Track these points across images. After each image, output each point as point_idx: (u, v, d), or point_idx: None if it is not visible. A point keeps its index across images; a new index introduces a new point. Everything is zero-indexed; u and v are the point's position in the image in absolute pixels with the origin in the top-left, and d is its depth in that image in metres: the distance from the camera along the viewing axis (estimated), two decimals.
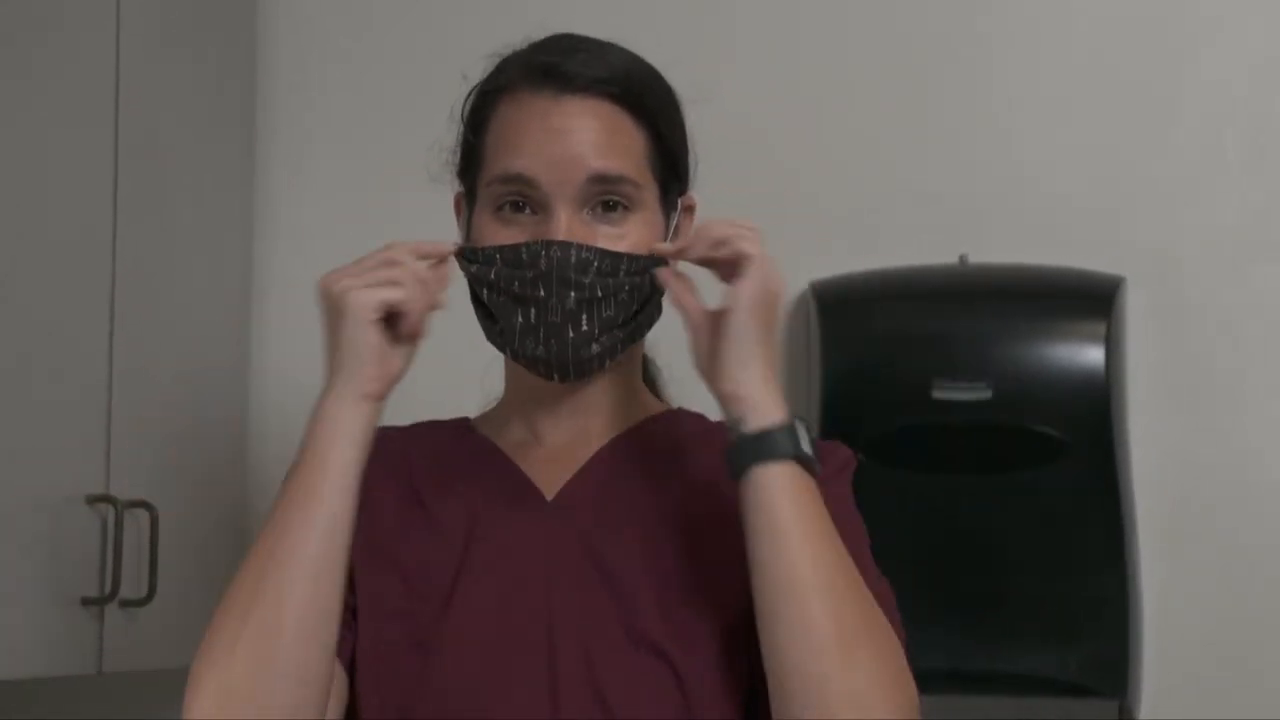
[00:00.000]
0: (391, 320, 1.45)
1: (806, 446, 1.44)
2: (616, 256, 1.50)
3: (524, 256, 1.49)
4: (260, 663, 1.38)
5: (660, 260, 1.51)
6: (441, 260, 1.49)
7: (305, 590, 1.40)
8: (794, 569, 1.40)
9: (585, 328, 1.50)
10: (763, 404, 1.44)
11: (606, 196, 1.51)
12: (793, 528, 1.41)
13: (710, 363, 1.46)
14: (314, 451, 1.44)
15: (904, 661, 1.43)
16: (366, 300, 1.43)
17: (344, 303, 1.43)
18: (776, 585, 1.40)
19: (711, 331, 1.46)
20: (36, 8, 2.09)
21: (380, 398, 1.46)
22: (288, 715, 1.39)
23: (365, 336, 1.43)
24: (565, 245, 1.48)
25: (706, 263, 1.48)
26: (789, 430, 1.44)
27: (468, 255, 1.53)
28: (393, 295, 1.44)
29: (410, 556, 1.50)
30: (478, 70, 1.60)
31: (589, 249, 1.49)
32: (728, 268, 1.46)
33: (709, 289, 1.50)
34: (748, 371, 1.44)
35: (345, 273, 1.45)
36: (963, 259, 2.30)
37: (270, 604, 1.40)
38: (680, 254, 1.49)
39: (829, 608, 1.39)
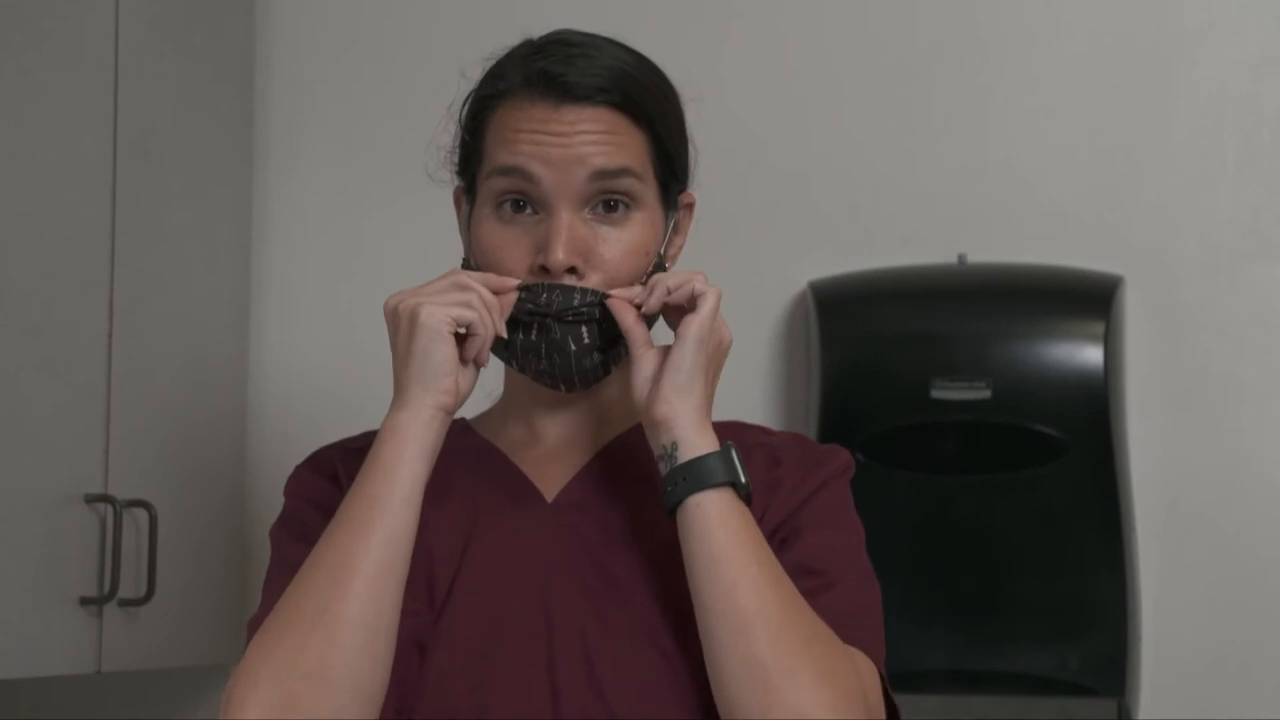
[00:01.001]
0: (457, 342, 1.47)
1: (741, 472, 1.45)
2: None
3: (523, 295, 1.49)
4: (320, 672, 1.38)
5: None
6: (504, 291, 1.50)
7: (369, 604, 1.40)
8: (733, 598, 1.40)
9: (587, 341, 1.51)
10: (694, 434, 1.45)
11: (608, 195, 1.51)
12: (730, 556, 1.42)
13: (651, 388, 1.47)
14: (383, 465, 1.45)
15: (860, 681, 1.42)
16: (442, 315, 1.44)
17: (418, 316, 1.45)
18: (717, 615, 1.41)
19: (656, 362, 1.48)
20: (36, 8, 2.09)
21: (451, 412, 1.47)
22: None
23: (442, 349, 1.45)
24: (568, 290, 1.49)
25: (661, 310, 1.50)
26: (722, 456, 1.45)
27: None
28: (466, 315, 1.45)
29: (411, 557, 1.49)
30: (475, 69, 1.60)
31: (594, 292, 1.49)
32: (678, 314, 1.48)
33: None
34: (685, 402, 1.46)
35: (415, 291, 1.47)
36: (961, 259, 2.30)
37: (335, 613, 1.40)
38: (644, 307, 1.50)
39: (770, 636, 1.39)
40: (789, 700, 1.37)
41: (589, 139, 1.50)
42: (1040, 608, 2.15)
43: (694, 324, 1.46)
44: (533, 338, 1.50)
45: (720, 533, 1.42)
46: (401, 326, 1.46)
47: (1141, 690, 2.19)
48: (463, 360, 1.47)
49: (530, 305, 1.49)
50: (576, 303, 1.48)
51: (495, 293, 1.48)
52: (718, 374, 1.51)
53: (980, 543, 2.16)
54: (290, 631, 1.40)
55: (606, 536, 1.52)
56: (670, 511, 1.45)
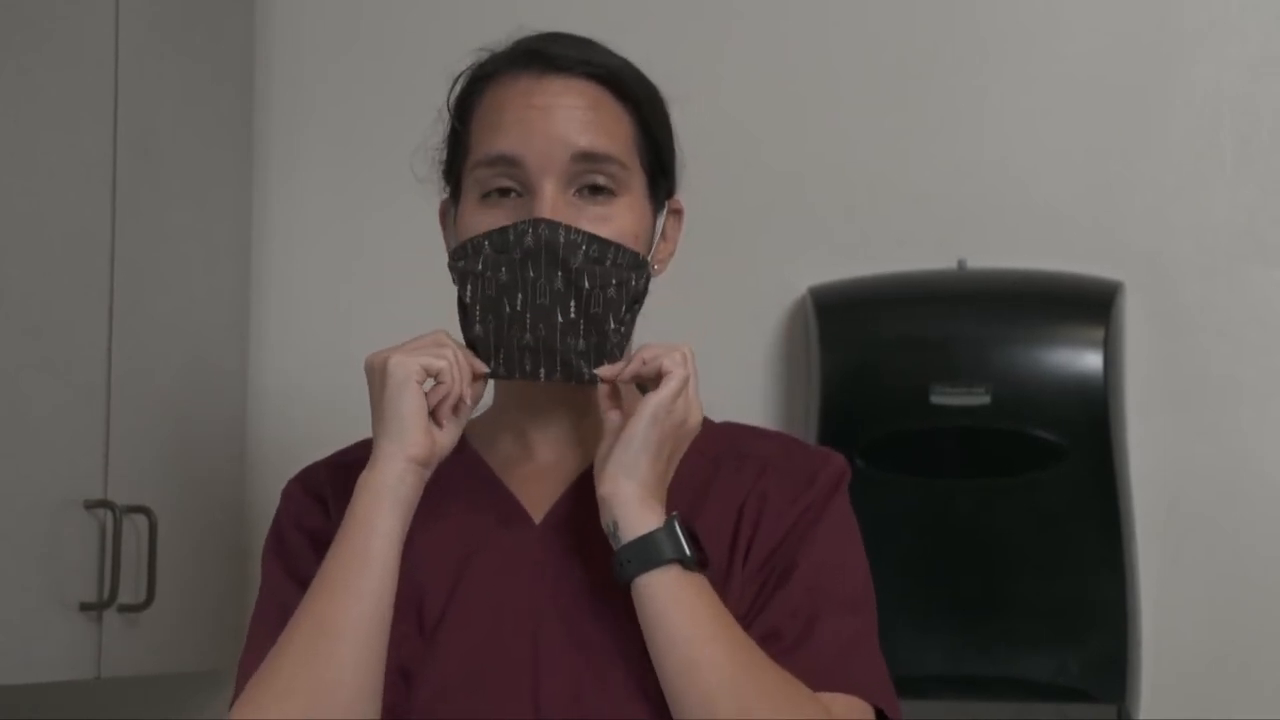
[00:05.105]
0: (433, 401, 1.48)
1: (686, 546, 1.44)
2: (604, 243, 1.49)
3: (510, 237, 1.48)
4: None
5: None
6: (479, 378, 1.51)
7: (353, 664, 1.41)
8: (694, 678, 1.41)
9: (573, 315, 1.49)
10: (634, 513, 1.45)
11: (592, 178, 1.51)
12: (687, 635, 1.42)
13: (600, 465, 1.47)
14: (358, 520, 1.46)
15: None
16: (410, 364, 1.46)
17: (387, 367, 1.46)
18: (681, 694, 1.41)
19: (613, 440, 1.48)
20: (36, 8, 2.09)
21: (425, 464, 1.47)
22: None
23: (409, 398, 1.46)
24: (553, 224, 1.48)
25: (640, 380, 1.50)
26: (666, 531, 1.44)
27: (456, 254, 1.53)
28: (435, 363, 1.47)
29: (398, 583, 1.49)
30: (461, 65, 1.60)
31: (578, 231, 1.48)
32: (655, 383, 1.48)
33: None
34: (629, 479, 1.45)
35: (391, 348, 1.49)
36: (961, 264, 2.30)
37: (318, 679, 1.40)
38: (618, 376, 1.50)
39: (735, 712, 1.39)
40: None
41: (573, 115, 1.50)
42: (1039, 612, 2.14)
43: (650, 403, 1.46)
44: (518, 308, 1.49)
45: (674, 613, 1.42)
46: (375, 379, 1.48)
47: (1141, 691, 2.19)
48: (435, 420, 1.48)
49: (518, 251, 1.48)
50: (563, 239, 1.47)
51: (473, 370, 1.49)
52: (677, 453, 1.50)
53: (980, 547, 2.16)
54: (273, 691, 1.41)
55: (593, 557, 1.51)
56: (620, 585, 1.45)
